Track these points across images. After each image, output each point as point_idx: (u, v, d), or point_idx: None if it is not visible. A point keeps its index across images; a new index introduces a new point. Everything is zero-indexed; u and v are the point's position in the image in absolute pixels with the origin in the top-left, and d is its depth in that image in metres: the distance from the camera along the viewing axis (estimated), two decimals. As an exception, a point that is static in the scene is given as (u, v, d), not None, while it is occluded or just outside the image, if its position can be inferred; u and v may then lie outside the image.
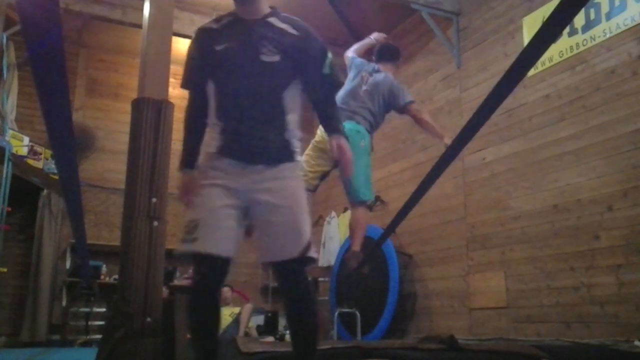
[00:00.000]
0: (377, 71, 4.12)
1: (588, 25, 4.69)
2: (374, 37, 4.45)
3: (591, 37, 4.66)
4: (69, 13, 5.98)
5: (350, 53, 4.34)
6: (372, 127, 3.99)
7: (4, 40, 6.08)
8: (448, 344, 2.79)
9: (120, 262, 2.71)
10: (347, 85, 4.01)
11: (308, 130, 10.40)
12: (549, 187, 4.84)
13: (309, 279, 2.21)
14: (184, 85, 2.26)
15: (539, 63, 5.06)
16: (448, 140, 4.14)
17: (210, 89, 2.15)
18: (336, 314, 6.13)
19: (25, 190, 6.49)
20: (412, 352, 2.75)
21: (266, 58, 2.06)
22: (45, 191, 6.87)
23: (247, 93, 2.06)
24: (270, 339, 6.01)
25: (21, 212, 6.81)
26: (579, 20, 4.75)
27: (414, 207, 2.44)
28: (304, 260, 2.04)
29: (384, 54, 4.29)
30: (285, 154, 2.12)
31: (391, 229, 3.34)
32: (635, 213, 4.13)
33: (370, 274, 6.16)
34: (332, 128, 2.24)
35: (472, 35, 6.00)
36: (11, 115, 6.39)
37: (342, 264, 3.93)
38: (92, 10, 6.14)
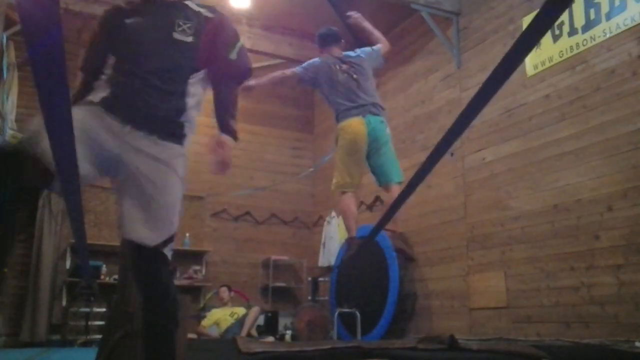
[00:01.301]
0: (344, 56, 4.02)
1: (588, 25, 4.69)
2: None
3: (591, 37, 4.66)
4: (69, 13, 5.99)
5: (293, 70, 4.08)
6: (383, 109, 4.01)
7: (4, 40, 6.09)
8: (448, 344, 2.79)
9: (120, 261, 2.71)
10: (336, 86, 3.91)
11: (308, 130, 10.40)
12: (549, 187, 4.84)
13: (170, 284, 1.97)
14: (83, 67, 2.15)
15: (539, 63, 5.06)
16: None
17: (110, 60, 2.03)
18: (336, 314, 6.14)
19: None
20: (412, 352, 2.75)
21: (179, 36, 2.03)
22: (45, 191, 6.87)
23: (153, 65, 1.97)
24: (270, 339, 6.03)
25: (21, 212, 6.81)
26: (579, 20, 4.75)
27: (409, 196, 2.42)
28: (159, 250, 1.88)
29: (329, 40, 4.12)
30: (173, 133, 1.97)
31: (388, 217, 3.29)
32: (635, 213, 4.13)
33: (370, 274, 6.16)
34: (227, 127, 2.11)
35: (472, 35, 6.00)
36: (11, 115, 6.39)
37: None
38: (92, 10, 6.14)
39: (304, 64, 4.06)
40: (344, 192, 3.93)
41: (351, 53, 4.08)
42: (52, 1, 0.94)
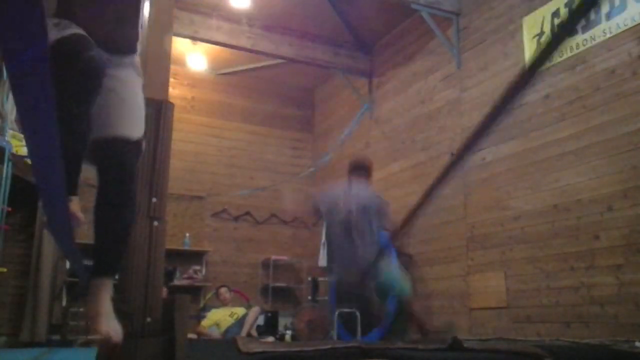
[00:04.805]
0: (359, 191, 4.17)
1: (588, 25, 4.69)
2: None
3: (591, 37, 4.66)
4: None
5: (316, 199, 4.44)
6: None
7: (4, 40, 6.07)
8: (448, 344, 2.79)
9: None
10: (335, 226, 4.11)
11: (308, 130, 10.36)
12: (549, 187, 4.83)
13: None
14: None
15: (539, 63, 5.06)
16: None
17: None
18: (336, 314, 6.13)
19: (25, 190, 6.49)
20: (412, 352, 2.75)
21: None
22: (45, 191, 6.87)
23: None
24: (271, 339, 6.03)
25: (21, 212, 6.81)
26: (579, 20, 4.76)
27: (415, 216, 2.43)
28: (136, 147, 1.96)
29: (357, 170, 4.35)
30: (132, 47, 2.08)
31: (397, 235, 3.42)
32: (635, 213, 4.13)
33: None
34: None
35: (472, 35, 6.00)
36: (11, 116, 6.38)
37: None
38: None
39: (323, 195, 4.41)
40: None
41: (366, 194, 4.22)
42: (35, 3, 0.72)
